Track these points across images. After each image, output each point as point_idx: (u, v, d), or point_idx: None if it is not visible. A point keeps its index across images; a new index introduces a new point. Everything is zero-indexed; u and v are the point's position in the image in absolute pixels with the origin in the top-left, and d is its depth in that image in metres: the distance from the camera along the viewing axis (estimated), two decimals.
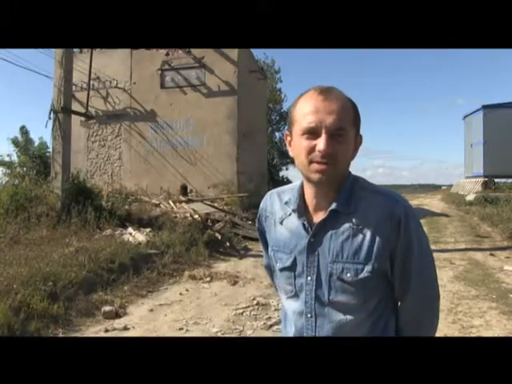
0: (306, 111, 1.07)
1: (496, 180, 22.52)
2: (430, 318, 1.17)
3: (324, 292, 1.10)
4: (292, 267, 1.15)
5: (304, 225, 1.13)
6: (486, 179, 22.17)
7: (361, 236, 1.06)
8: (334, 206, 1.09)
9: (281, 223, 1.20)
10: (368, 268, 1.05)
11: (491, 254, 8.10)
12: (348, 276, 1.07)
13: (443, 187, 44.97)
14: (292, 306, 1.17)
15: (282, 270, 1.19)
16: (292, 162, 31.11)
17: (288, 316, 1.22)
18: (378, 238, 1.05)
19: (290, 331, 1.22)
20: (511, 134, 21.56)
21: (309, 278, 1.12)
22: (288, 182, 31.25)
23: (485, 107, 23.27)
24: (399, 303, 1.16)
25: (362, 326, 1.09)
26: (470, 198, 19.25)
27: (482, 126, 22.89)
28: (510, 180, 22.88)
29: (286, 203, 1.19)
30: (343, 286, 1.07)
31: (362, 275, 1.06)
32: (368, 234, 1.06)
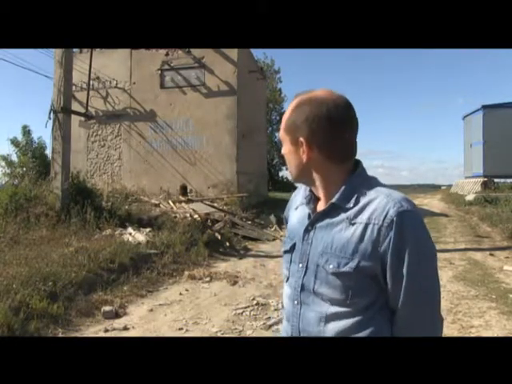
0: None
1: (496, 180, 22.52)
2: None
3: (310, 281, 1.12)
4: (290, 251, 1.20)
5: (309, 214, 1.17)
6: (486, 179, 22.17)
7: (351, 231, 1.06)
8: (334, 199, 1.11)
9: (296, 209, 1.26)
10: (351, 264, 1.04)
11: (491, 254, 8.10)
12: (331, 267, 1.07)
13: (443, 187, 44.93)
14: (286, 291, 1.22)
15: (284, 252, 1.25)
16: None
17: (283, 301, 1.26)
18: (367, 236, 1.04)
19: (284, 318, 1.25)
20: (511, 134, 21.56)
21: (300, 265, 1.15)
22: (288, 182, 31.22)
23: (484, 107, 23.27)
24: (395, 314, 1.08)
25: (346, 323, 1.06)
26: (470, 198, 19.24)
27: (482, 126, 22.89)
28: (509, 180, 22.88)
29: (306, 193, 1.24)
30: (327, 277, 1.08)
31: (343, 269, 1.05)
32: (359, 230, 1.05)
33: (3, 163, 15.74)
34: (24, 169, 15.06)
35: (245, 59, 14.08)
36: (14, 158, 16.17)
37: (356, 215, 1.07)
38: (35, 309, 4.16)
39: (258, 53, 37.60)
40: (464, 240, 9.98)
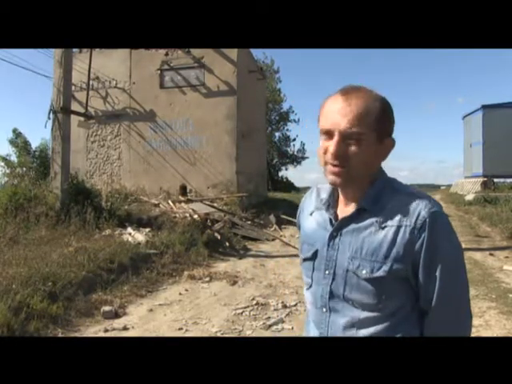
0: (324, 112, 1.08)
1: (495, 180, 22.54)
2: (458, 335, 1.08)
3: (339, 287, 1.10)
4: (312, 258, 1.17)
5: (331, 219, 1.14)
6: (486, 179, 22.20)
7: (382, 235, 1.05)
8: (361, 204, 1.09)
9: (310, 215, 1.23)
10: (385, 267, 1.03)
11: (490, 254, 8.10)
12: (364, 273, 1.05)
13: (442, 187, 45.00)
14: (309, 298, 1.20)
15: (303, 260, 1.21)
16: (291, 161, 31.26)
17: (307, 308, 1.24)
18: (399, 239, 1.03)
19: (310, 325, 1.22)
20: (511, 134, 21.57)
21: (326, 271, 1.12)
22: (288, 181, 31.25)
23: (484, 107, 23.29)
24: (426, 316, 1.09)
25: (378, 327, 1.06)
26: (470, 197, 19.25)
27: (482, 126, 22.92)
28: (509, 180, 22.90)
29: (322, 198, 1.21)
30: (359, 282, 1.06)
31: (377, 273, 1.04)
32: (390, 233, 1.04)
33: (2, 163, 15.76)
34: (24, 169, 15.06)
35: (245, 59, 14.07)
36: (13, 158, 16.21)
37: (386, 218, 1.06)
38: (35, 309, 4.15)
39: (257, 53, 37.64)
40: (464, 240, 9.96)
